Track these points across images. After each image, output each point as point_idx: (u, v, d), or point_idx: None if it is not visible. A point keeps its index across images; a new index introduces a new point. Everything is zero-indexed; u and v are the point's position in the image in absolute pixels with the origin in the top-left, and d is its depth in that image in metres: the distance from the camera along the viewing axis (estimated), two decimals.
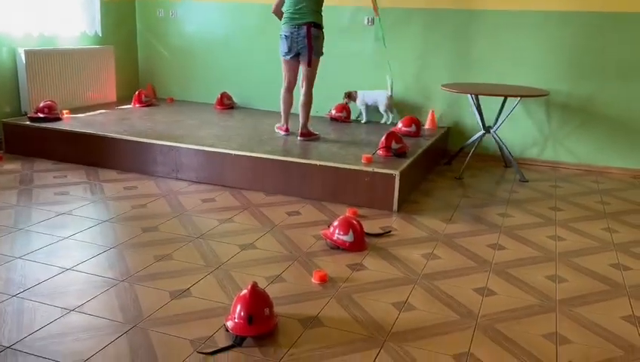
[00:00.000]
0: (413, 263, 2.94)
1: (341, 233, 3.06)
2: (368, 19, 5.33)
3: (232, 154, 4.06)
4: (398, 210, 3.71)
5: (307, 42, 4.26)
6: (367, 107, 5.33)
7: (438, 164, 5.04)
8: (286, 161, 3.93)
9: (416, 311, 2.45)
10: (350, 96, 5.32)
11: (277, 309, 2.33)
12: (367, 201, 3.76)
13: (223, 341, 2.16)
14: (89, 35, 5.63)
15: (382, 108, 5.28)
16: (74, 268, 2.72)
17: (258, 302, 2.20)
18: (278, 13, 4.48)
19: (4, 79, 4.88)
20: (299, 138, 4.50)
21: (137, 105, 5.70)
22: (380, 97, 5.24)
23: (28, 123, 4.73)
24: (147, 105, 5.74)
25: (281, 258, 2.94)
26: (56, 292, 2.48)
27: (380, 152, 4.06)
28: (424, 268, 2.90)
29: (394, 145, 4.05)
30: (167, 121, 5.01)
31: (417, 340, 2.22)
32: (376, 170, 3.72)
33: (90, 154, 4.48)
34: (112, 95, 5.89)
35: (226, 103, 5.85)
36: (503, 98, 4.63)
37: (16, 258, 2.80)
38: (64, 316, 2.29)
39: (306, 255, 2.99)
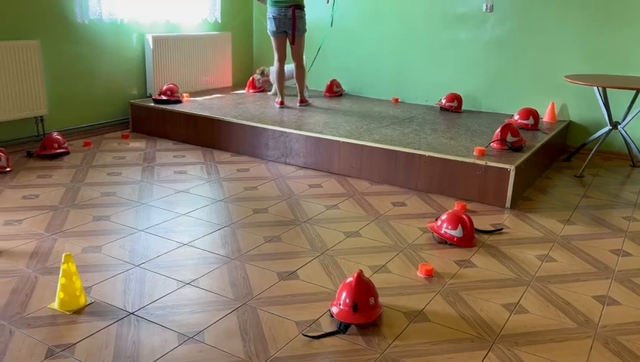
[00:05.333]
0: (526, 264, 2.79)
1: (449, 227, 2.97)
2: (487, 5, 5.10)
3: (339, 141, 4.08)
4: (511, 207, 3.54)
5: (292, 22, 4.86)
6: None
7: (557, 160, 4.73)
8: (394, 150, 3.88)
9: (528, 315, 2.33)
10: (263, 73, 5.85)
11: (381, 300, 2.32)
12: (478, 196, 3.62)
13: (327, 326, 2.18)
14: (209, 22, 5.89)
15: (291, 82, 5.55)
16: (190, 243, 2.88)
17: (363, 291, 2.20)
18: None
19: (134, 63, 5.25)
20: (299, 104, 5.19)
21: (251, 91, 5.90)
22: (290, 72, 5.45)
23: (152, 104, 5.06)
24: (260, 91, 5.92)
25: (386, 248, 2.92)
26: (173, 266, 2.64)
27: (493, 145, 3.88)
28: (538, 270, 2.74)
29: (509, 138, 3.86)
30: (279, 108, 5.13)
31: (529, 345, 2.11)
32: (489, 163, 3.57)
33: (207, 136, 4.71)
34: (228, 80, 6.14)
35: (336, 91, 5.88)
36: (634, 92, 4.24)
37: (140, 230, 3.02)
38: (180, 288, 2.43)
39: (412, 247, 2.94)
